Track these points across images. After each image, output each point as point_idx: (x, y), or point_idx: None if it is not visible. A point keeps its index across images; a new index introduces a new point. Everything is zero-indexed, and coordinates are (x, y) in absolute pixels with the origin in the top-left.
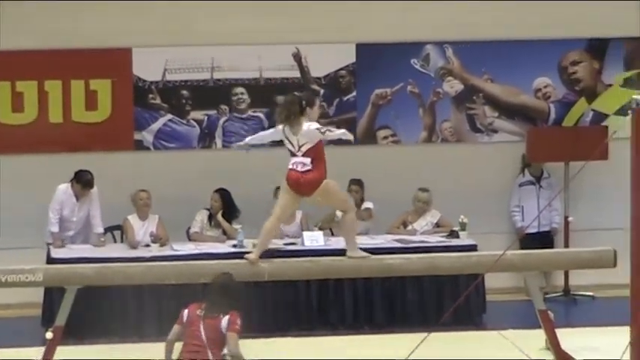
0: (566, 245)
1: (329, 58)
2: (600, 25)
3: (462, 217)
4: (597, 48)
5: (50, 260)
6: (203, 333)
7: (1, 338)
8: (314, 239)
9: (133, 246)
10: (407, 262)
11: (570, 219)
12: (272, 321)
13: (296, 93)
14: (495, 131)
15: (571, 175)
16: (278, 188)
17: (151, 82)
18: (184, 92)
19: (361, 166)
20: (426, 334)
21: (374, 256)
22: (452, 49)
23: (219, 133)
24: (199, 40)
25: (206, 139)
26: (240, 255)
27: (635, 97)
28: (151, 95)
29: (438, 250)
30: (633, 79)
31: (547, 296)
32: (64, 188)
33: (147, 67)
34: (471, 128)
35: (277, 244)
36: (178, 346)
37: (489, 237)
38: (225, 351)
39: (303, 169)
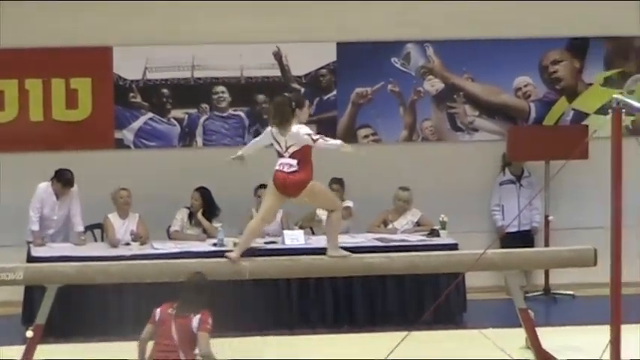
0: (547, 244)
1: (309, 57)
2: (581, 25)
3: (442, 215)
4: (578, 47)
5: (30, 259)
6: (174, 332)
7: None
8: (294, 238)
9: (114, 244)
10: (387, 260)
11: (551, 218)
12: (252, 320)
13: (286, 94)
14: (476, 130)
15: (551, 174)
16: (259, 187)
17: (132, 81)
18: (165, 91)
19: (342, 165)
20: (406, 333)
21: (354, 255)
22: (432, 48)
23: (199, 131)
24: (180, 39)
25: (187, 137)
26: (220, 253)
27: (615, 96)
28: (131, 94)
29: (419, 249)
30: (614, 79)
31: (527, 295)
32: (45, 187)
33: (127, 66)
34: (452, 127)
35: (258, 242)
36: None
37: (470, 236)
38: (196, 351)
39: (290, 170)
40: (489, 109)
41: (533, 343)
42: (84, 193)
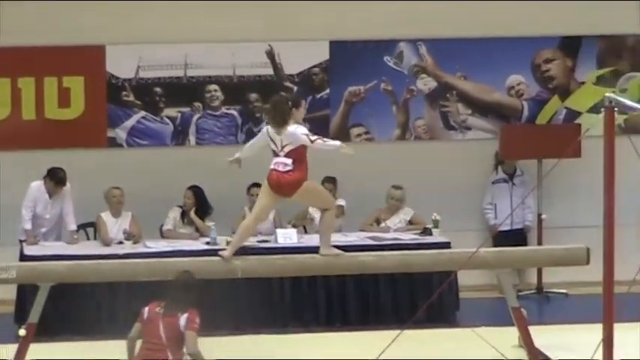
0: (540, 243)
1: (302, 56)
2: (573, 23)
3: (435, 214)
4: (570, 46)
5: (23, 257)
6: (162, 331)
7: None
8: (287, 237)
9: (106, 243)
10: (380, 259)
11: (543, 216)
12: (245, 319)
13: (282, 93)
14: (469, 129)
15: (544, 173)
16: (251, 186)
17: (125, 80)
18: (158, 89)
19: (334, 164)
20: (399, 331)
21: (347, 254)
22: (425, 46)
23: (192, 130)
24: (173, 38)
25: (179, 136)
26: (213, 252)
27: (607, 94)
28: (124, 92)
29: (411, 248)
30: (606, 77)
31: (520, 294)
32: (37, 185)
33: (120, 65)
34: (445, 126)
35: (251, 241)
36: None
37: (462, 234)
38: (184, 350)
39: (285, 170)
40: (482, 108)
41: (526, 341)
42: (76, 192)
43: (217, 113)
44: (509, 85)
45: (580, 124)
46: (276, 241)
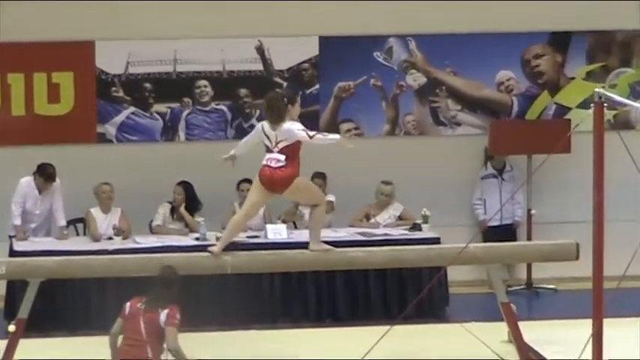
0: (529, 238)
1: (292, 51)
2: (563, 19)
3: (424, 209)
4: (560, 41)
5: (13, 253)
6: (142, 327)
7: None
8: (277, 232)
9: (96, 239)
10: (370, 255)
11: (533, 212)
12: (235, 314)
13: (278, 90)
14: (458, 124)
15: (534, 168)
16: (241, 181)
17: (114, 75)
18: (147, 85)
19: (324, 159)
20: (389, 327)
21: (337, 250)
22: (415, 42)
23: (182, 126)
24: (162, 33)
25: (169, 132)
26: (202, 248)
27: (597, 90)
28: (113, 88)
29: (401, 243)
30: (596, 73)
31: (510, 289)
32: (27, 181)
33: (110, 60)
34: (434, 121)
35: (240, 237)
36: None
37: (452, 230)
38: (164, 346)
39: (277, 165)
40: (472, 104)
41: (516, 336)
42: (66, 188)
43: (207, 109)
44: (499, 81)
45: (570, 120)
46: (265, 236)
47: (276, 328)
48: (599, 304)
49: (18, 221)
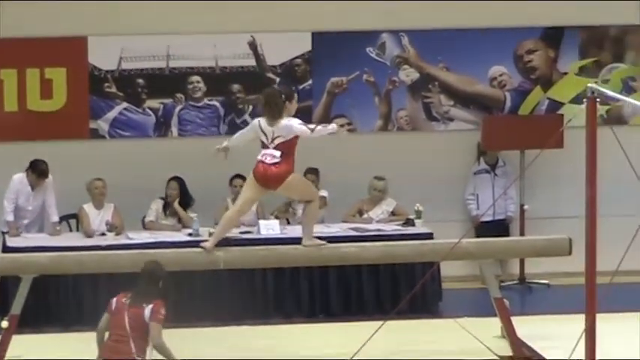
0: (522, 233)
1: (285, 47)
2: (555, 14)
3: (417, 205)
4: (553, 36)
5: (5, 249)
6: (127, 322)
7: None
8: (270, 228)
9: (89, 235)
10: (363, 250)
11: (526, 207)
12: (227, 310)
13: (275, 86)
14: (451, 120)
15: (526, 163)
16: (234, 177)
17: (107, 71)
18: (140, 81)
19: (317, 155)
20: (382, 322)
21: (330, 245)
22: (407, 37)
23: (174, 121)
24: (155, 29)
25: (162, 127)
26: (195, 243)
27: (590, 85)
28: (106, 84)
29: (394, 239)
30: (588, 68)
31: (503, 284)
32: (20, 177)
33: (102, 56)
34: (427, 117)
35: (233, 232)
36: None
37: (445, 225)
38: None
39: (272, 162)
40: (464, 99)
41: (509, 331)
42: (59, 184)
43: (200, 104)
44: (492, 76)
45: (562, 115)
46: (258, 232)
47: (269, 323)
48: (591, 299)
49: (10, 217)
